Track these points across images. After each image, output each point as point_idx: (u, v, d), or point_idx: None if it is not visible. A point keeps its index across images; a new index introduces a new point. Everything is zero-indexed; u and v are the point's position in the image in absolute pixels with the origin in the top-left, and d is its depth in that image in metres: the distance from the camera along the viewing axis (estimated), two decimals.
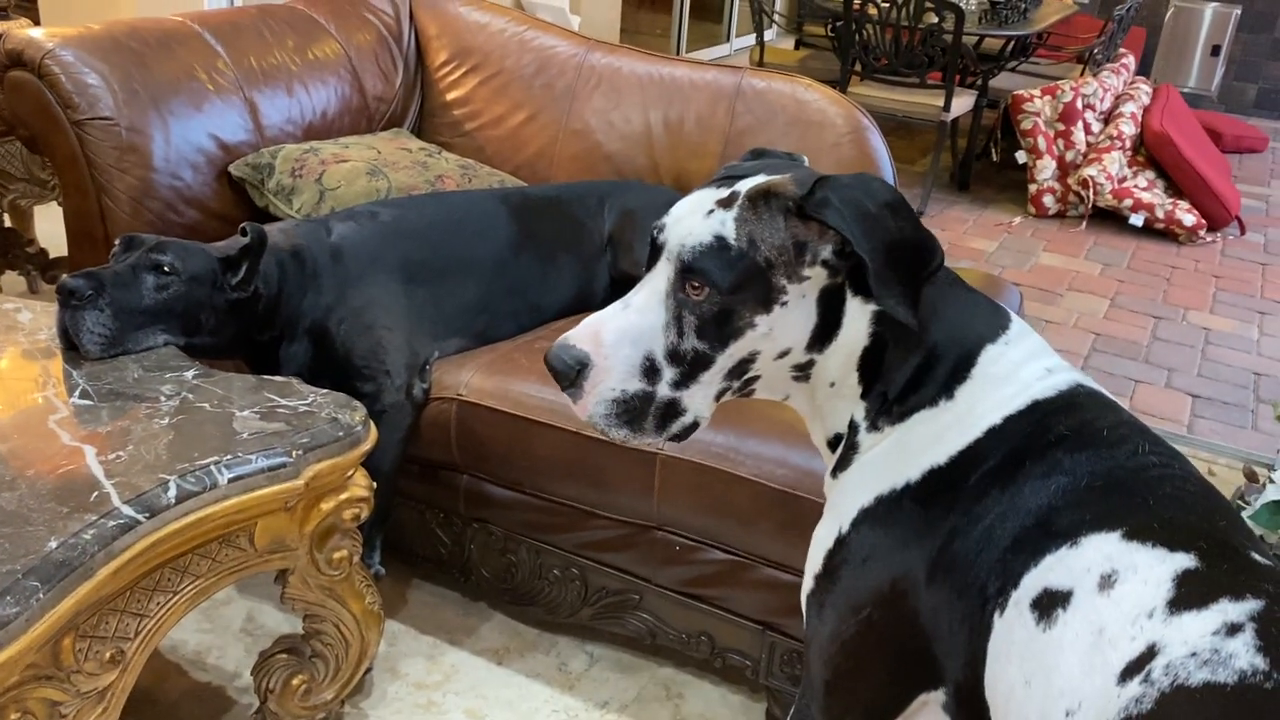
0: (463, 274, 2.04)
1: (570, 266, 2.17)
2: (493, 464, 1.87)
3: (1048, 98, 5.14)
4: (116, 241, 1.74)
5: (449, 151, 2.55)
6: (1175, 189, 5.11)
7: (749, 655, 1.79)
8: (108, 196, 2.10)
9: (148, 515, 1.31)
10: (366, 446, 1.56)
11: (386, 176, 2.29)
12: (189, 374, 1.62)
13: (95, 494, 1.31)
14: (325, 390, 1.61)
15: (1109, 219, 5.03)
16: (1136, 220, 4.90)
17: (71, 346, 1.63)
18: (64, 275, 1.61)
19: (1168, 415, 3.31)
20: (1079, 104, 5.14)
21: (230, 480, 1.40)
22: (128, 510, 1.30)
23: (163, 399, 1.54)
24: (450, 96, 2.69)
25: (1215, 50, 7.67)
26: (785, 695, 1.78)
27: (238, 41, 2.38)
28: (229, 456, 1.42)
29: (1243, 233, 5.07)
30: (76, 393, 1.54)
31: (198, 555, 1.43)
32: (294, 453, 1.46)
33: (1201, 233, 4.88)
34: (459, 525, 1.99)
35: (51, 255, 2.92)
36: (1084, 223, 5.00)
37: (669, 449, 1.70)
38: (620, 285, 2.20)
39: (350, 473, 1.57)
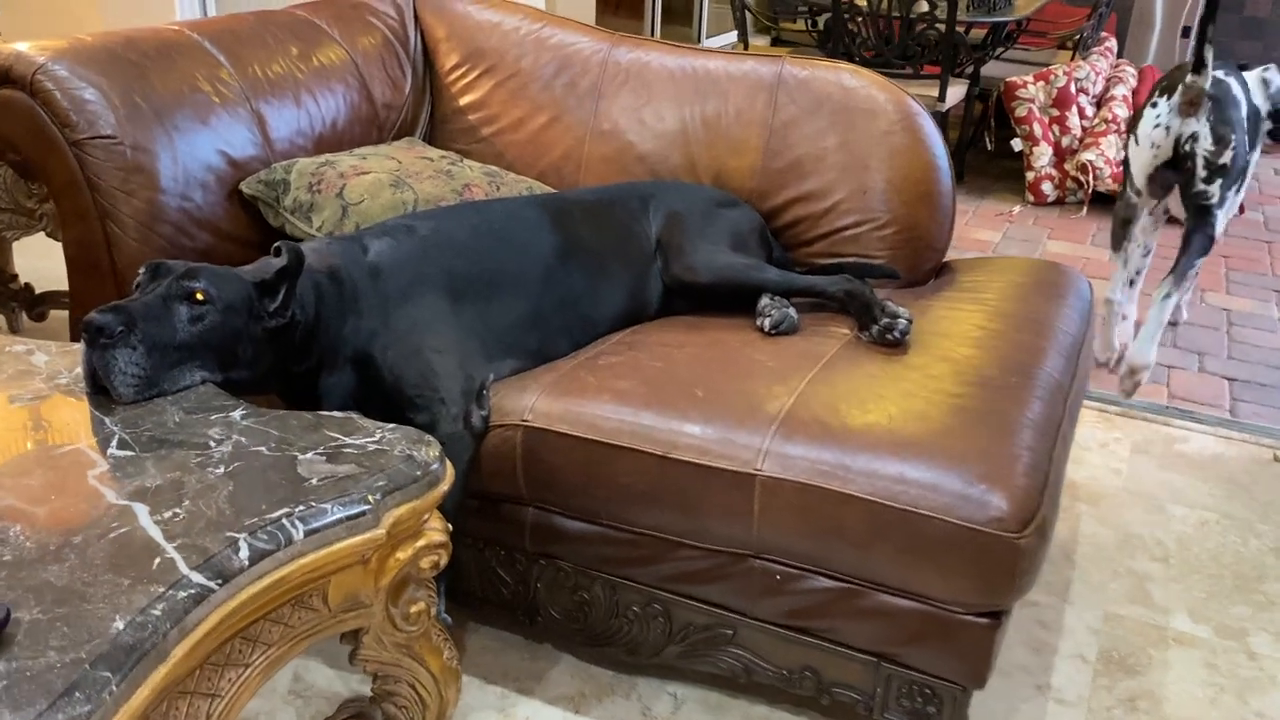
0: (511, 288, 1.88)
1: (620, 274, 2.01)
2: (564, 494, 1.71)
3: (1041, 83, 5.05)
4: (141, 270, 1.56)
5: (469, 159, 2.38)
6: None
7: (860, 690, 1.64)
8: (113, 222, 1.91)
9: (220, 581, 1.13)
10: (445, 486, 1.39)
11: (411, 188, 2.12)
12: (236, 414, 1.44)
13: (158, 560, 1.14)
14: (392, 425, 1.43)
15: (1108, 203, 4.92)
16: None
17: (99, 390, 1.45)
18: (91, 311, 1.43)
19: (1208, 400, 3.20)
20: (1072, 88, 5.06)
21: (306, 534, 1.22)
22: (198, 577, 1.12)
23: (212, 444, 1.36)
24: (464, 101, 2.52)
25: (1185, 32, 7.65)
26: None
27: (239, 50, 2.20)
28: (301, 507, 1.24)
29: (1241, 212, 5.00)
30: (113, 442, 1.36)
31: (269, 621, 1.25)
32: (371, 498, 1.29)
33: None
34: (523, 563, 1.82)
35: (37, 290, 2.72)
36: (1084, 208, 4.91)
37: (768, 469, 1.55)
38: (675, 293, 2.05)
39: (427, 516, 1.40)
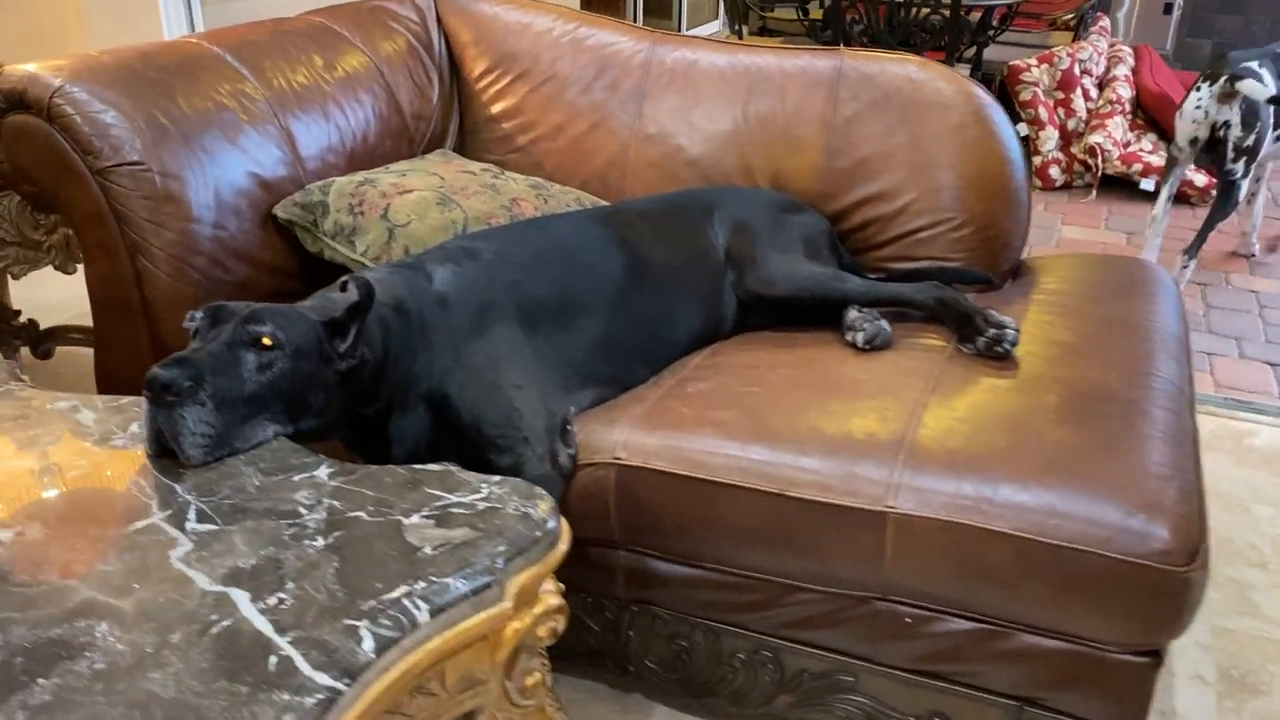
0: (584, 312, 1.73)
1: (693, 291, 1.87)
2: (664, 537, 1.57)
3: (1045, 66, 4.95)
4: (199, 314, 1.40)
5: (509, 170, 2.23)
6: None
7: None
8: (144, 256, 1.75)
9: (348, 681, 0.99)
10: (565, 546, 1.25)
11: (459, 205, 1.97)
12: (321, 473, 1.29)
13: (274, 660, 0.99)
14: (497, 478, 1.29)
15: (1117, 185, 4.85)
16: (1147, 185, 4.73)
17: (163, 452, 1.29)
18: (154, 366, 1.27)
19: (1256, 388, 3.11)
20: (1076, 70, 4.97)
21: (431, 615, 1.08)
22: (323, 678, 0.98)
23: (303, 511, 1.21)
24: (497, 109, 2.37)
25: (1167, 8, 7.60)
26: None
27: (261, 61, 2.04)
28: (421, 584, 1.10)
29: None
30: (191, 514, 1.20)
31: (388, 714, 1.10)
32: (495, 567, 1.15)
33: (1213, 192, 4.73)
34: (614, 610, 1.68)
35: (41, 325, 2.54)
36: (1093, 192, 4.82)
37: (901, 506, 1.41)
38: (750, 307, 1.92)
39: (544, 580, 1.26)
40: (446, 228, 1.92)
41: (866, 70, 2.12)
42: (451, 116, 2.41)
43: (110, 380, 1.87)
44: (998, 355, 1.69)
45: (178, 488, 1.25)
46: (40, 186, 1.80)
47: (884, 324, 1.78)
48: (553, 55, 2.33)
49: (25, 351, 2.52)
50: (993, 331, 1.70)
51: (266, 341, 1.36)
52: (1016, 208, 2.08)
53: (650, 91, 2.26)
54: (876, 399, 1.59)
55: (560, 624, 1.28)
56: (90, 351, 2.50)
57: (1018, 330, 1.70)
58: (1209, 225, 3.65)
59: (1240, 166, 3.51)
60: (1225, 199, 3.62)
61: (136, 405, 1.43)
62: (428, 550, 1.15)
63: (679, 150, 2.22)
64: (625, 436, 1.57)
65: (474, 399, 1.57)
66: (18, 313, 2.47)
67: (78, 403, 1.44)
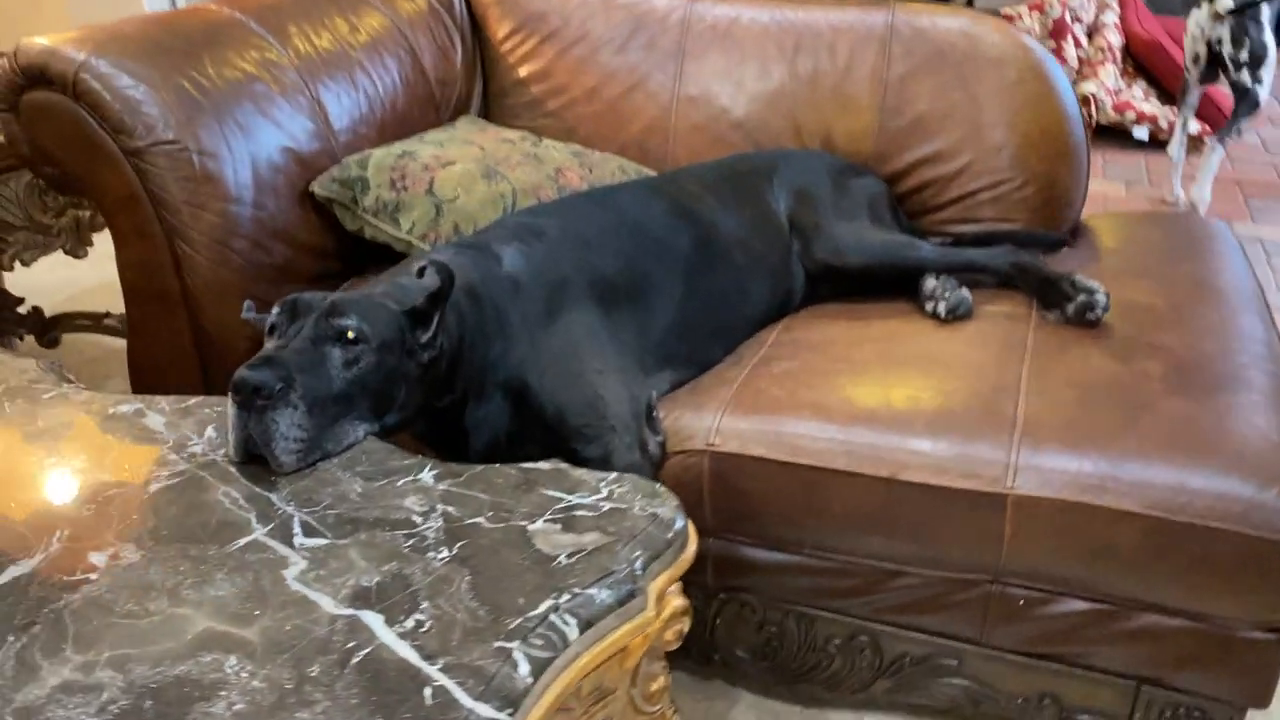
0: (656, 290, 1.65)
1: (762, 263, 1.79)
2: (762, 525, 1.50)
3: (1036, 14, 4.89)
4: (275, 308, 1.29)
5: (546, 137, 2.13)
6: (1168, 96, 4.93)
7: (1111, 714, 1.47)
8: (183, 241, 1.64)
9: (511, 710, 0.91)
10: (694, 547, 1.18)
11: (505, 177, 1.87)
12: (426, 476, 1.20)
13: (428, 691, 0.91)
14: (614, 475, 1.21)
15: (1109, 134, 4.81)
16: (1141, 133, 4.69)
17: (252, 458, 1.20)
18: (241, 368, 1.17)
19: None
20: (1067, 18, 4.90)
21: (580, 630, 1.01)
22: (486, 710, 0.90)
23: (418, 520, 1.13)
24: (524, 72, 2.25)
25: None
26: None
27: (285, 27, 1.93)
28: (565, 596, 1.02)
29: (1240, 134, 4.92)
30: (296, 527, 1.12)
31: None
32: (635, 573, 1.07)
33: (1207, 139, 4.71)
34: (699, 598, 1.61)
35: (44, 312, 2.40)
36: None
37: (1022, 487, 1.35)
38: (818, 279, 1.84)
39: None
40: (495, 201, 1.82)
41: (919, 24, 2.04)
42: (475, 80, 2.30)
43: (144, 372, 1.77)
44: (1089, 322, 1.63)
45: (274, 498, 1.16)
46: (64, 169, 1.67)
47: (965, 292, 1.71)
48: (583, 14, 2.22)
49: (30, 340, 2.38)
50: (1083, 297, 1.63)
51: (351, 335, 1.26)
52: (1077, 166, 2.01)
53: (691, 50, 2.16)
54: (972, 373, 1.53)
55: (685, 626, 1.21)
56: (98, 338, 2.39)
57: (1108, 294, 1.64)
58: (1235, 119, 3.81)
59: (1245, 76, 3.65)
60: (1245, 101, 3.75)
61: (206, 406, 1.33)
62: (563, 559, 1.07)
63: (724, 112, 2.13)
64: (716, 421, 1.50)
65: (555, 387, 1.48)
66: (20, 300, 2.33)
67: (141, 405, 1.34)
